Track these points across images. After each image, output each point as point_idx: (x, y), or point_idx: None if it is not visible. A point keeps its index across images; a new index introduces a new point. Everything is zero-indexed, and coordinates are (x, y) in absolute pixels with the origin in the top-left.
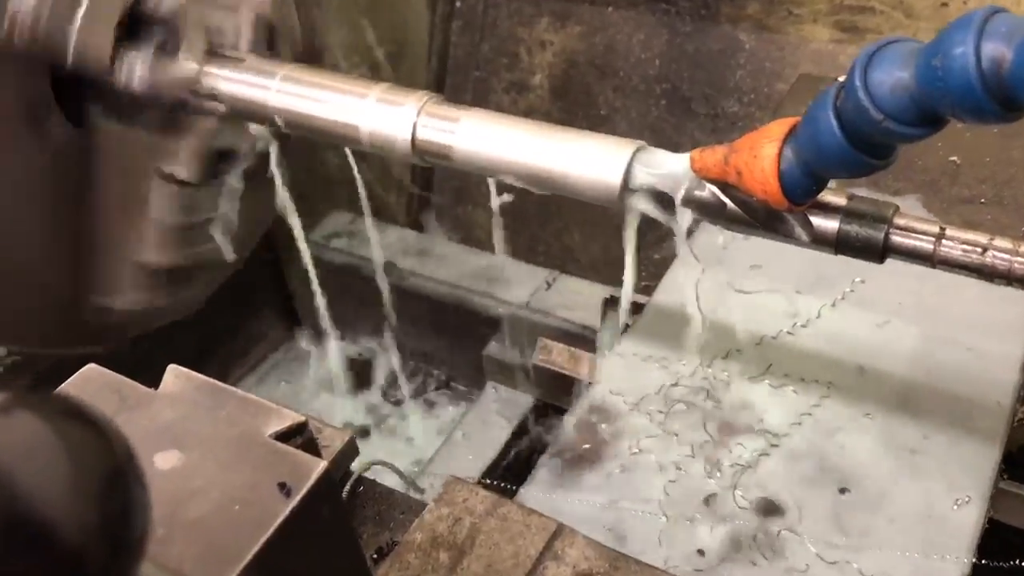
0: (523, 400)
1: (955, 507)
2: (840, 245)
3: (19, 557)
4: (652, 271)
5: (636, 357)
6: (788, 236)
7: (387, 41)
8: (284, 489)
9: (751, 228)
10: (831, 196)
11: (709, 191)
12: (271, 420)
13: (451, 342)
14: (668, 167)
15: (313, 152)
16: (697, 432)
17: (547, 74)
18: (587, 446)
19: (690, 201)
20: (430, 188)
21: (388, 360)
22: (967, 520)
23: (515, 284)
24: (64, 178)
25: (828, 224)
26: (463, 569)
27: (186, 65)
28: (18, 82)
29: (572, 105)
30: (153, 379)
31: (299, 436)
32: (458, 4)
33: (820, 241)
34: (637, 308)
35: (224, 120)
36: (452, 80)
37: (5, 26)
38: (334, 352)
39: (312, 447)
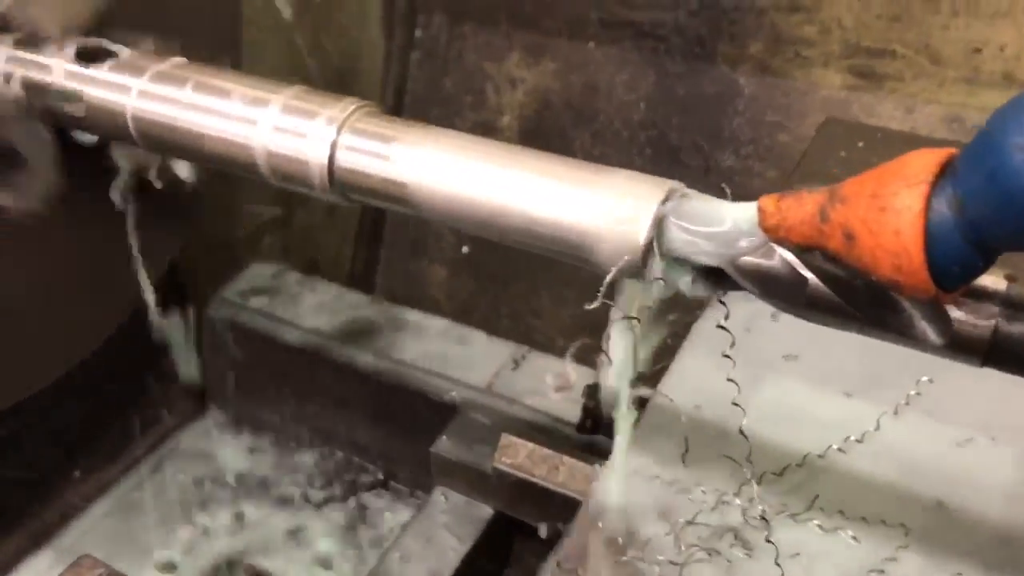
0: (481, 512)
1: None
2: (995, 355)
3: None
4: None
5: (638, 476)
6: (904, 335)
7: (331, 69)
8: None
9: (845, 319)
10: (982, 278)
11: (780, 259)
12: None
13: (391, 431)
14: (718, 220)
15: (235, 184)
16: None
17: (517, 115)
18: None
19: (751, 274)
20: (379, 238)
21: (310, 451)
22: None
23: (475, 361)
24: None
25: (977, 323)
26: None
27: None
28: None
29: (544, 150)
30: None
31: None
32: (418, 33)
33: (962, 347)
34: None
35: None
36: (408, 117)
37: None
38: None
39: None
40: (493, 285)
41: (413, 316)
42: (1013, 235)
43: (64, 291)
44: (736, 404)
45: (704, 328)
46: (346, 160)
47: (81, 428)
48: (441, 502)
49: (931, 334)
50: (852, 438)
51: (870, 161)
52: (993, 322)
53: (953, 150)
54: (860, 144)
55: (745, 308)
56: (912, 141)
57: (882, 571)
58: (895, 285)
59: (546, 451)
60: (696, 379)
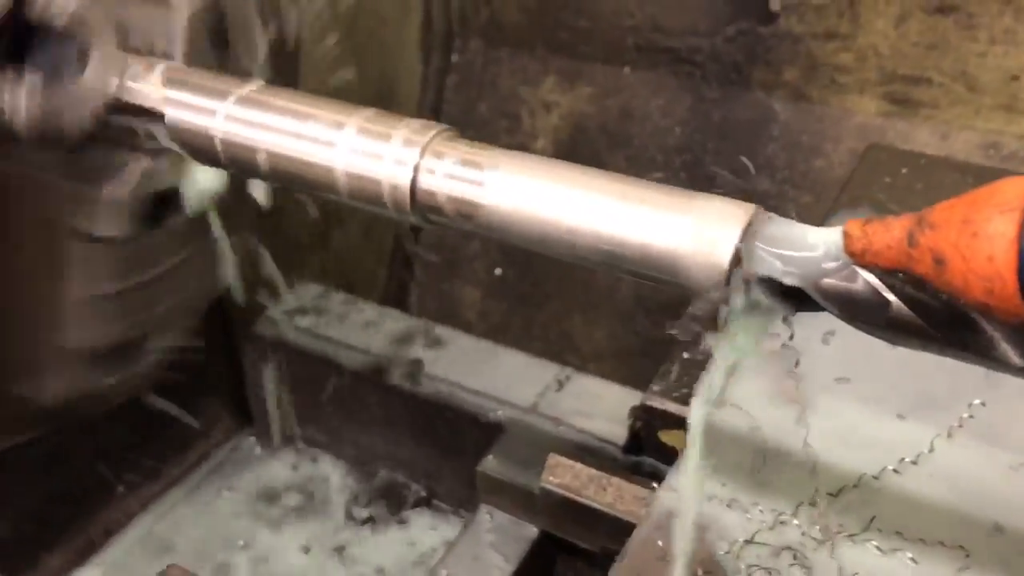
0: (527, 532)
1: None
2: None
3: None
4: (690, 373)
5: (699, 491)
6: (985, 356)
7: (371, 93)
8: None
9: (926, 340)
10: None
11: (863, 282)
12: None
13: (435, 449)
14: (801, 243)
15: (278, 211)
16: None
17: (551, 139)
18: None
19: (834, 296)
20: (411, 260)
21: (354, 468)
22: None
23: (518, 382)
24: None
25: None
26: None
27: (97, 83)
28: None
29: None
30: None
31: None
32: (455, 58)
33: None
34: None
35: (156, 156)
36: None
37: None
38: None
39: None
40: (526, 307)
41: (454, 335)
42: None
43: None
44: (799, 422)
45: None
46: (428, 183)
47: (126, 444)
48: (487, 521)
49: (1013, 356)
50: (907, 459)
51: (914, 187)
52: None
53: None
54: (904, 171)
55: (797, 333)
56: (956, 168)
57: None
58: (985, 309)
59: (593, 471)
60: (749, 400)
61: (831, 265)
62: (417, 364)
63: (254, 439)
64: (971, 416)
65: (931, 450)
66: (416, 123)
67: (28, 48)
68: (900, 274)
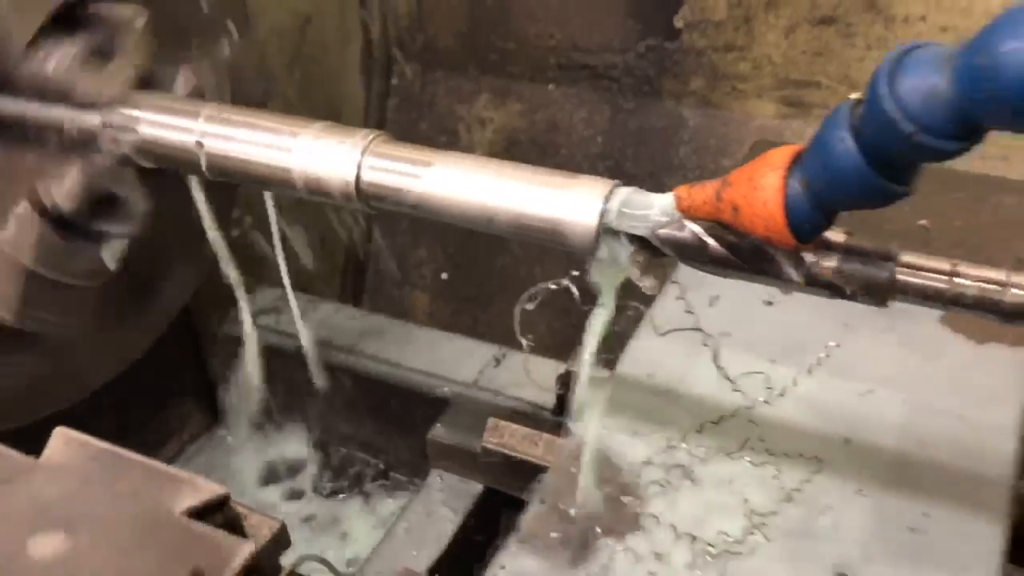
0: (472, 488)
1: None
2: (838, 287)
3: None
4: (609, 345)
5: (606, 429)
6: (777, 278)
7: (318, 117)
8: None
9: (735, 270)
10: (828, 233)
11: (690, 231)
12: (183, 493)
13: (390, 427)
14: (648, 206)
15: (238, 229)
16: (676, 515)
17: (487, 152)
18: (555, 535)
19: (669, 242)
20: (364, 269)
21: (318, 449)
22: None
23: (461, 362)
24: None
25: (826, 264)
26: None
27: (115, 77)
28: None
29: None
30: None
31: (219, 513)
32: (395, 81)
33: (815, 283)
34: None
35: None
36: None
37: None
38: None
39: (235, 526)
40: (471, 307)
41: (403, 325)
42: (842, 201)
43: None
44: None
45: (654, 315)
46: (369, 176)
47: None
48: (437, 482)
49: (794, 275)
50: (775, 392)
51: None
52: (835, 264)
53: (802, 146)
54: None
55: (689, 299)
56: None
57: (799, 490)
58: (767, 240)
59: (526, 430)
60: (649, 354)
61: (666, 219)
62: (370, 350)
63: (225, 431)
64: (828, 356)
65: (795, 384)
66: (359, 131)
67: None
68: (714, 222)
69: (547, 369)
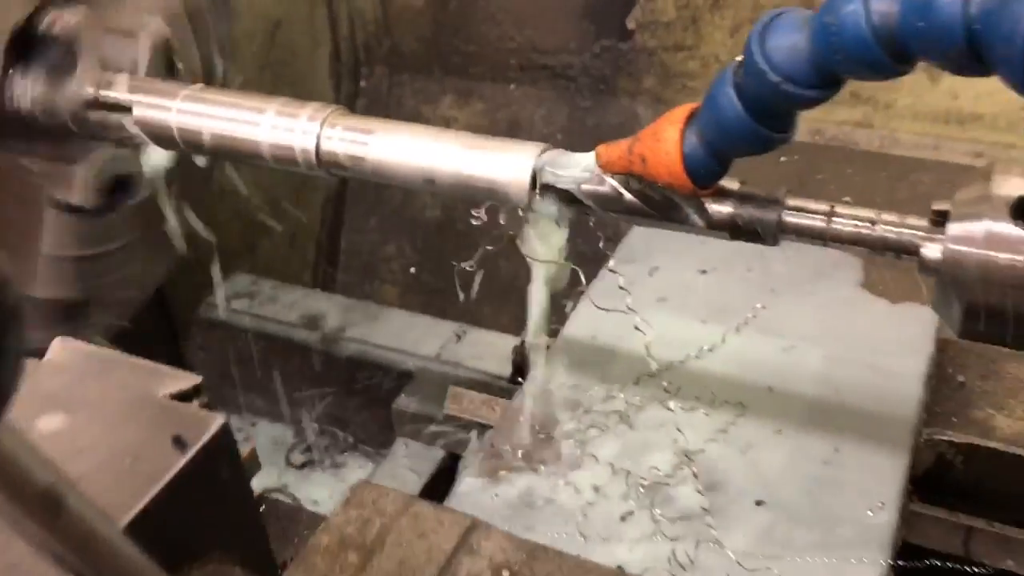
0: (435, 454)
1: (869, 513)
2: (735, 228)
3: None
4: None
5: (552, 384)
6: (684, 223)
7: None
8: (179, 443)
9: (649, 218)
10: (724, 182)
11: (609, 185)
12: (165, 382)
13: (358, 401)
14: (573, 165)
15: (212, 218)
16: (613, 454)
17: None
18: (503, 472)
19: (591, 195)
20: (335, 263)
21: (291, 424)
22: (882, 524)
23: (425, 338)
24: None
25: (723, 209)
26: (373, 568)
27: (84, 84)
28: None
29: None
30: None
31: (196, 398)
32: (363, 83)
33: (715, 226)
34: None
35: (119, 146)
36: None
37: None
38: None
39: (208, 409)
40: (439, 300)
41: (369, 307)
42: (731, 149)
43: None
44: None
45: (596, 287)
46: (327, 145)
47: None
48: (403, 449)
49: (696, 219)
50: (706, 348)
51: None
52: (731, 208)
53: (697, 104)
54: None
55: (627, 270)
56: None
57: (725, 431)
58: (670, 187)
59: (484, 396)
60: (591, 320)
61: (588, 175)
62: (339, 330)
63: None
64: (755, 316)
65: (724, 341)
66: (317, 105)
67: (35, 53)
68: (628, 176)
69: (503, 343)
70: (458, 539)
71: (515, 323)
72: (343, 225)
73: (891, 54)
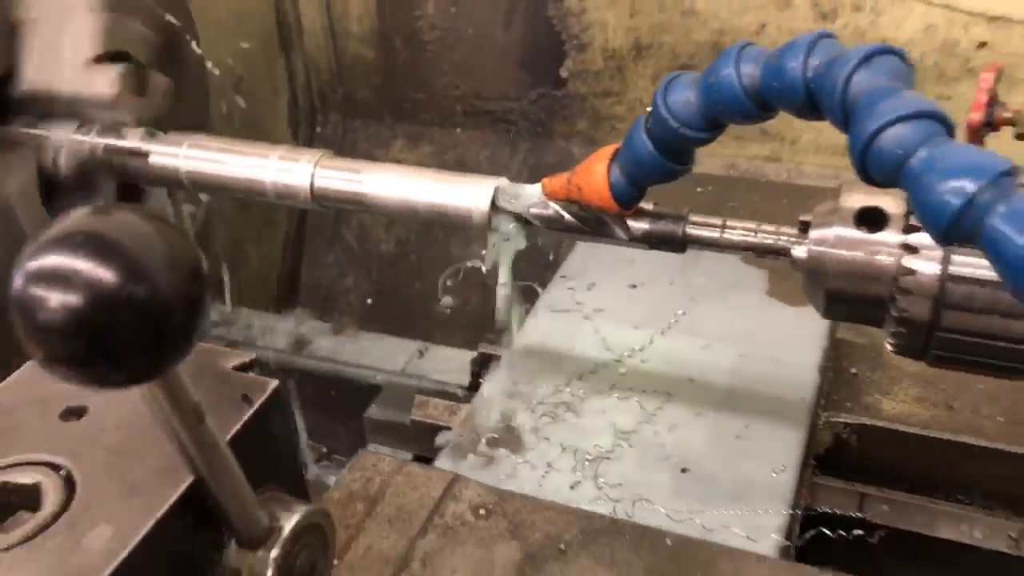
0: (402, 457)
1: (773, 475)
2: (651, 240)
3: (129, 305)
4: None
5: (509, 382)
6: (612, 237)
7: None
8: (246, 399)
9: (584, 234)
10: (642, 204)
11: (553, 209)
12: (227, 358)
13: (331, 415)
14: (523, 194)
15: None
16: (562, 436)
17: None
18: (471, 455)
19: (538, 217)
20: (296, 300)
21: None
22: (783, 483)
23: (390, 355)
24: None
25: (641, 225)
26: (376, 513)
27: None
28: None
29: None
30: None
31: (251, 370)
32: (319, 129)
33: (636, 239)
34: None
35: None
36: None
37: None
38: None
39: None
40: (396, 328)
41: (334, 331)
42: (646, 179)
43: None
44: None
45: (545, 300)
46: (320, 183)
47: None
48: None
49: (621, 234)
50: (637, 349)
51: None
52: (647, 225)
53: (619, 144)
54: None
55: (574, 284)
56: (698, 179)
57: (655, 415)
58: (601, 209)
59: (447, 403)
60: (541, 328)
61: (535, 201)
62: (314, 350)
63: None
64: (677, 321)
65: (651, 342)
66: (311, 151)
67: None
68: (567, 201)
69: (462, 357)
70: (443, 489)
71: (466, 344)
72: (303, 260)
73: (757, 105)
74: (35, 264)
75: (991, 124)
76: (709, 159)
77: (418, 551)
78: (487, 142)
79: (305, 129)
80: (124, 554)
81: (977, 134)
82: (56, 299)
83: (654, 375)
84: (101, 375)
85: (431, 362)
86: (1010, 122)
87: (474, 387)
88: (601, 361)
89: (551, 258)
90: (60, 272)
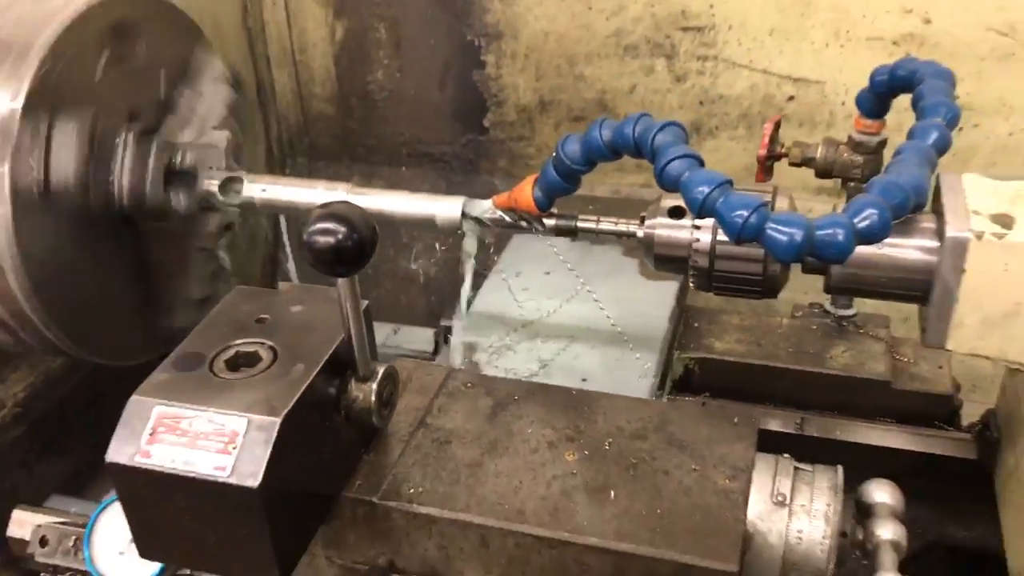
0: None
1: (640, 379)
2: (559, 231)
3: (359, 244)
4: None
5: (468, 337)
6: (534, 231)
7: None
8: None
9: (519, 229)
10: (553, 209)
11: (499, 214)
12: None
13: None
14: (480, 206)
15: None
16: (506, 364)
17: None
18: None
19: (491, 220)
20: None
21: None
22: (646, 384)
23: None
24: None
25: (551, 222)
26: (409, 387)
27: (206, 185)
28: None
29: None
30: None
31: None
32: (287, 170)
33: (548, 231)
34: None
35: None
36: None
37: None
38: None
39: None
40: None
41: None
42: (555, 194)
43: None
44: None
45: (487, 284)
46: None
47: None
48: None
49: (541, 229)
50: (552, 311)
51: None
52: (555, 222)
53: (538, 174)
54: None
55: (506, 273)
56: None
57: (565, 349)
58: (529, 213)
59: (418, 362)
60: (487, 301)
61: (489, 209)
62: None
63: None
64: (577, 293)
65: (560, 307)
66: (344, 183)
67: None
68: (509, 209)
69: (427, 333)
70: (445, 375)
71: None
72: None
73: (610, 152)
74: (312, 226)
75: (774, 157)
76: (600, 185)
77: (435, 404)
78: (427, 178)
79: (278, 171)
80: (311, 376)
81: (764, 163)
82: (322, 240)
83: (563, 326)
84: (338, 270)
85: (404, 337)
86: (784, 155)
87: (437, 352)
88: (528, 320)
89: (492, 254)
90: (323, 228)
